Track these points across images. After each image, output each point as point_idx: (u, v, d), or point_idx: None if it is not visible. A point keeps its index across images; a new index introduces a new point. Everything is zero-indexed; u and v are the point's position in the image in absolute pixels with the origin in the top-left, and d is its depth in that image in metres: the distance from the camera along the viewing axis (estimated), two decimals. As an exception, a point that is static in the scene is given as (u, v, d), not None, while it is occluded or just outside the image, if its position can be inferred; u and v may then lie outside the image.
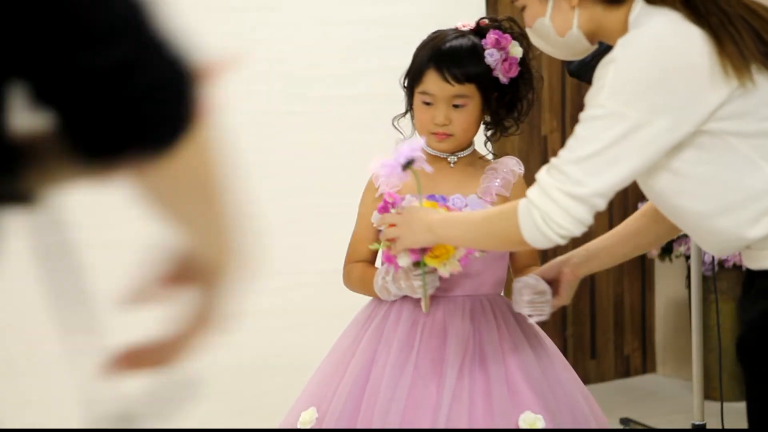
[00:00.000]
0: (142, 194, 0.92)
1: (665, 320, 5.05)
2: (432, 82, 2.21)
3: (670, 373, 5.04)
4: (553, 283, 2.16)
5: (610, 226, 2.34)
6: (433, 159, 2.26)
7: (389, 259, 2.12)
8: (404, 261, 2.10)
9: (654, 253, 4.51)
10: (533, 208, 1.83)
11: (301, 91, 3.50)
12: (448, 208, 2.14)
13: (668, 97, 1.78)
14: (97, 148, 0.86)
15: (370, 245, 2.21)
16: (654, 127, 1.78)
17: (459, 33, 2.26)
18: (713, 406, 3.67)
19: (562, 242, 1.85)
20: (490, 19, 2.28)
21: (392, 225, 2.08)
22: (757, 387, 1.88)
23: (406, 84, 2.28)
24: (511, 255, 2.30)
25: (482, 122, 2.30)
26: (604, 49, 1.96)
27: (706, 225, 1.89)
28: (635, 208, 3.53)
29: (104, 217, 3.08)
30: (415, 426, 2.09)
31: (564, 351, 4.64)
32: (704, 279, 3.77)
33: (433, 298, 2.19)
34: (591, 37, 1.97)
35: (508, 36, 2.24)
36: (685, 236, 3.71)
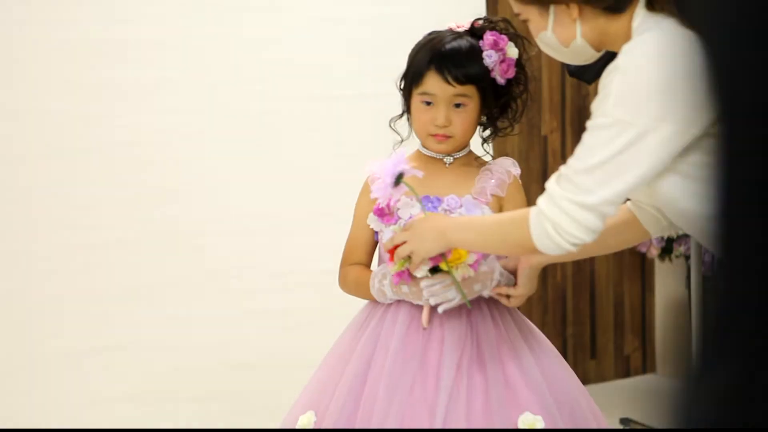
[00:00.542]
0: None
1: (665, 320, 5.04)
2: (432, 83, 2.21)
3: (670, 373, 5.03)
4: (515, 273, 2.21)
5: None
6: (428, 160, 2.26)
7: (403, 276, 2.12)
8: (422, 272, 2.11)
9: (654, 253, 4.51)
10: (544, 219, 1.85)
11: (301, 91, 3.51)
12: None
13: (674, 103, 1.78)
14: None
15: (391, 268, 2.16)
16: (661, 134, 1.78)
17: (456, 34, 2.26)
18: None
19: (574, 250, 1.87)
20: (485, 20, 2.29)
21: (401, 243, 2.09)
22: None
23: (402, 86, 2.28)
24: None
25: (478, 123, 2.30)
26: (605, 52, 1.97)
27: None
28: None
29: (104, 217, 3.08)
30: (413, 427, 2.09)
31: (564, 351, 4.65)
32: (704, 279, 3.76)
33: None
34: (597, 45, 1.97)
35: (504, 37, 2.25)
36: (686, 236, 3.71)
